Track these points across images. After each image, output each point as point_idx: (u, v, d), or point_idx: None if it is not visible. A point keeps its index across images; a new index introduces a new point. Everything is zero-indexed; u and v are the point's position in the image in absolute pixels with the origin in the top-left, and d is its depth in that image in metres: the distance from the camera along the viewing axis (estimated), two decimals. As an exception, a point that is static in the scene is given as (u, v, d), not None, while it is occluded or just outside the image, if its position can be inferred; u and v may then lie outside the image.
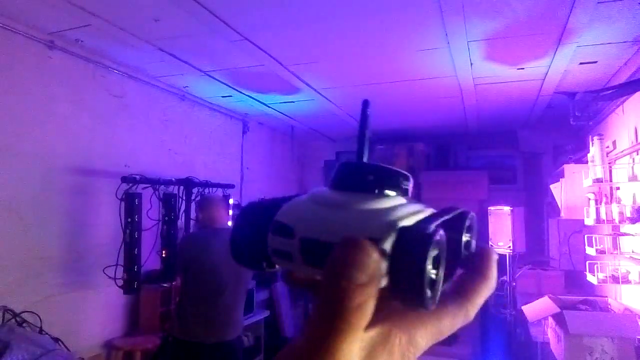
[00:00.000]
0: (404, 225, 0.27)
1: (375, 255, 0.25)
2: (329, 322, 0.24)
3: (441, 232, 0.26)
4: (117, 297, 3.21)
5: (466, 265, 0.32)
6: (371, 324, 0.26)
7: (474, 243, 0.33)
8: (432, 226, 0.26)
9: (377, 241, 0.25)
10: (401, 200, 0.30)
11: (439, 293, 0.26)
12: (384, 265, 0.25)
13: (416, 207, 0.30)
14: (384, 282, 0.25)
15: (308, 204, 0.30)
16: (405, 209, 0.28)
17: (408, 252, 0.25)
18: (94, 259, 3.04)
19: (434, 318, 0.29)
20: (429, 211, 0.30)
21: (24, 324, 2.45)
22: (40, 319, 2.55)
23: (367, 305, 0.24)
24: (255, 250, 0.31)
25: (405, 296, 0.26)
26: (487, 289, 0.31)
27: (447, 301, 0.30)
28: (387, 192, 0.30)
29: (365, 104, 0.33)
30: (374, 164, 0.31)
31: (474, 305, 0.30)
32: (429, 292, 0.25)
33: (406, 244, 0.25)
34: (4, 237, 2.49)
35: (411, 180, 0.32)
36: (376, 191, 0.30)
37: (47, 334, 2.50)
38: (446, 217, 0.30)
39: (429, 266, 0.25)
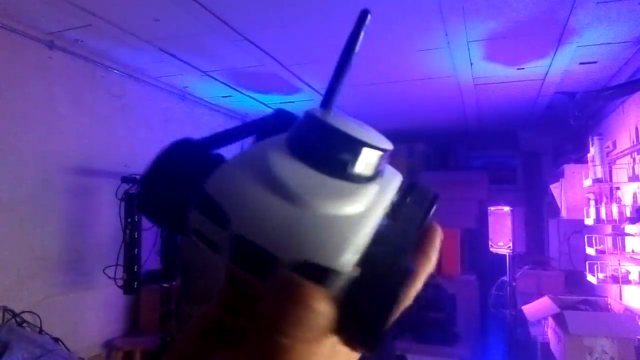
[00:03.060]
0: (373, 250, 0.20)
1: (323, 309, 0.19)
2: None
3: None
4: (117, 297, 3.21)
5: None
6: None
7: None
8: (407, 258, 0.21)
9: (333, 274, 0.19)
10: (374, 189, 0.23)
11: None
12: (332, 311, 0.19)
13: (388, 196, 0.23)
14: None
15: (252, 179, 0.22)
16: (376, 210, 0.22)
17: (374, 295, 0.20)
18: (94, 259, 3.03)
19: None
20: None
21: (24, 324, 2.45)
22: (40, 319, 2.55)
23: None
24: (171, 205, 0.24)
25: (352, 340, 0.20)
26: (428, 269, 0.26)
27: None
28: (359, 173, 0.23)
29: (364, 14, 0.25)
30: (342, 131, 0.23)
31: None
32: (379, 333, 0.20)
33: (373, 285, 0.20)
34: (3, 237, 2.49)
35: (390, 149, 0.25)
36: (346, 173, 0.23)
37: (47, 334, 2.50)
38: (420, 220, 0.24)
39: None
